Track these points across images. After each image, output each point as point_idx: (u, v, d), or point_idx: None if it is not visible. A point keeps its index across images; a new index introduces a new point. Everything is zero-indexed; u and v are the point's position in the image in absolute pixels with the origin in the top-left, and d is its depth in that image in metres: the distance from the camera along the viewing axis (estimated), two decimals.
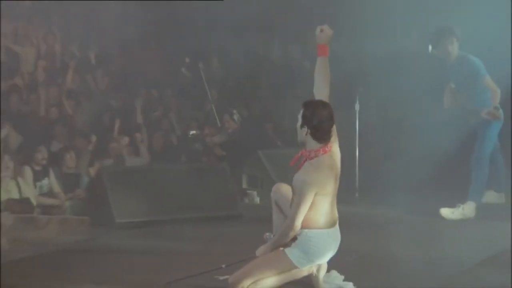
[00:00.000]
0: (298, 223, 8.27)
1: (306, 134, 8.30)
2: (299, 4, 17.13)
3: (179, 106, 16.61)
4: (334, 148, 8.50)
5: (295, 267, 8.47)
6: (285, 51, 17.58)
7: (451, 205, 12.34)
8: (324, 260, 8.56)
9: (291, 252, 8.43)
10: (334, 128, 8.43)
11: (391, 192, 13.70)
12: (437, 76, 13.21)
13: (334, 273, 8.52)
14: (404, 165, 14.09)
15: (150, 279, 8.90)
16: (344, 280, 8.53)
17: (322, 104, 8.38)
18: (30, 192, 13.66)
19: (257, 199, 13.88)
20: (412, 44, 16.11)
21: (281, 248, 8.47)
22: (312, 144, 8.34)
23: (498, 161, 12.88)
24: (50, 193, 13.80)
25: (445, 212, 12.30)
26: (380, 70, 15.14)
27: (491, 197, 12.92)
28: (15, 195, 13.54)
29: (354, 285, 8.37)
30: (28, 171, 13.74)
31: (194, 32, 16.83)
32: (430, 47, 12.44)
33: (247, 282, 8.34)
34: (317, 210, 8.34)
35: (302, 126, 8.32)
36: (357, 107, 14.42)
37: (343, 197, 13.34)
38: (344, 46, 14.92)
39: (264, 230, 10.83)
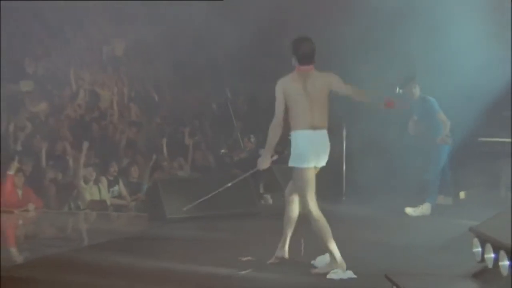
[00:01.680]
0: (278, 117, 8.19)
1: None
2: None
3: (214, 132, 16.68)
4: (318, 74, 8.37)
5: (301, 170, 8.23)
6: None
7: (413, 205, 12.46)
8: (316, 160, 8.22)
9: (291, 162, 8.31)
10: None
11: (369, 195, 13.70)
12: (404, 110, 13.19)
13: (326, 256, 8.16)
14: (379, 175, 14.08)
15: (193, 258, 8.84)
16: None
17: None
18: (106, 195, 13.81)
19: (271, 201, 13.90)
20: (385, 87, 16.01)
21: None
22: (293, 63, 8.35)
23: (446, 174, 13.05)
24: (120, 196, 13.96)
25: (409, 210, 12.39)
26: (361, 106, 15.10)
27: (441, 200, 13.08)
28: (96, 197, 13.69)
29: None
30: (104, 180, 13.90)
31: (228, 77, 16.79)
32: (398, 89, 12.49)
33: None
34: (292, 115, 8.23)
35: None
36: (344, 132, 14.47)
37: (334, 198, 13.55)
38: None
39: (276, 224, 10.96)
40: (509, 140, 13.91)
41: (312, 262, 8.31)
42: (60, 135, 15.28)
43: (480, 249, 7.60)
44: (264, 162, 8.53)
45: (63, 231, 12.06)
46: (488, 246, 7.35)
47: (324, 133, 8.30)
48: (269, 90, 16.56)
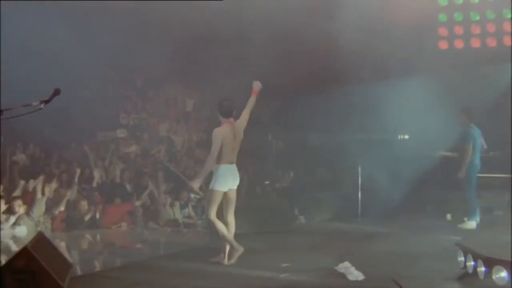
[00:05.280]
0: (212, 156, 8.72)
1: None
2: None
3: (259, 167, 16.65)
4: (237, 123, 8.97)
5: (217, 191, 8.86)
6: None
7: (419, 226, 12.15)
8: (227, 184, 8.86)
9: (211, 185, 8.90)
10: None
11: (382, 216, 13.70)
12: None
13: (346, 263, 8.17)
14: (390, 199, 13.98)
15: (244, 264, 8.87)
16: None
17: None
18: (178, 216, 13.85)
19: (304, 221, 13.87)
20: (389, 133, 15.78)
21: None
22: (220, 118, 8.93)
23: None
24: (189, 216, 13.98)
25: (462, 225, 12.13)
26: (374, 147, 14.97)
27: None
28: (171, 217, 13.75)
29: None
30: (177, 204, 13.94)
31: (269, 126, 16.73)
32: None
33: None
34: (222, 153, 8.76)
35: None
36: (359, 169, 14.45)
37: (350, 219, 13.41)
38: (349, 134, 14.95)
39: (307, 239, 10.98)
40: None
41: (335, 267, 8.28)
42: (145, 170, 15.43)
43: (463, 258, 7.61)
44: (197, 184, 9.02)
45: (146, 243, 12.15)
46: (469, 256, 7.37)
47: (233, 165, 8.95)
48: (301, 136, 16.37)
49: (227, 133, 8.83)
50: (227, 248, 9.08)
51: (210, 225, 12.00)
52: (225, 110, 8.97)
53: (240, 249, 8.99)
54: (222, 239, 9.05)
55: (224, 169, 8.84)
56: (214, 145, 8.74)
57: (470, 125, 12.34)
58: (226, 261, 9.03)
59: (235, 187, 9.07)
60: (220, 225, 8.99)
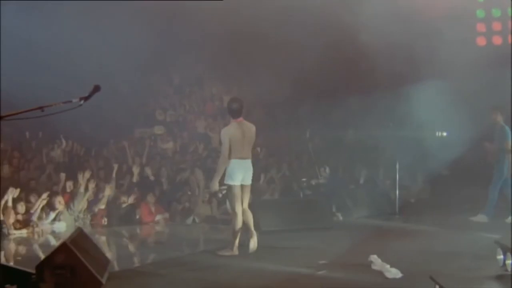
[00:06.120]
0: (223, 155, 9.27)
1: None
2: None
3: (297, 165, 16.63)
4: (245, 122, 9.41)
5: (231, 186, 9.31)
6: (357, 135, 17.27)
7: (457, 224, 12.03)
8: (238, 178, 9.26)
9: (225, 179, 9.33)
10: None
11: (418, 213, 13.60)
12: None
13: (374, 257, 8.16)
14: (426, 197, 13.86)
15: (282, 260, 8.88)
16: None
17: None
18: (216, 212, 13.90)
19: (341, 218, 13.78)
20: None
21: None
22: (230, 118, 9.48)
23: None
24: (226, 213, 13.96)
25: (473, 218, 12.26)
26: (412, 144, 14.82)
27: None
28: (208, 213, 13.82)
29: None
30: (214, 201, 13.97)
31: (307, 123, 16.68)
32: None
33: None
34: (232, 149, 9.18)
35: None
36: (397, 166, 14.30)
37: (388, 216, 13.35)
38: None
39: (345, 236, 10.93)
40: None
41: (371, 265, 8.23)
42: (182, 167, 15.50)
43: (502, 256, 7.53)
44: (214, 186, 9.57)
45: (183, 239, 12.21)
46: (509, 255, 7.29)
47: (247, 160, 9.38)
48: (338, 134, 16.28)
49: (234, 131, 9.29)
50: (237, 242, 9.43)
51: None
52: (234, 111, 9.41)
53: (254, 235, 9.43)
54: (233, 233, 9.42)
55: (234, 163, 9.27)
56: (223, 144, 9.30)
57: (501, 123, 12.30)
58: (237, 252, 9.36)
59: (249, 181, 9.49)
60: (238, 220, 9.37)
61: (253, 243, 9.40)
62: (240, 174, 9.34)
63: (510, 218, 12.10)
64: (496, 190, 12.42)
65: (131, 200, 13.76)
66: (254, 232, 9.49)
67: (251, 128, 9.48)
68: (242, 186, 9.42)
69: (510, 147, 12.16)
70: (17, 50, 13.17)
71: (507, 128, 12.24)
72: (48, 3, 13.61)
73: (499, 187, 12.43)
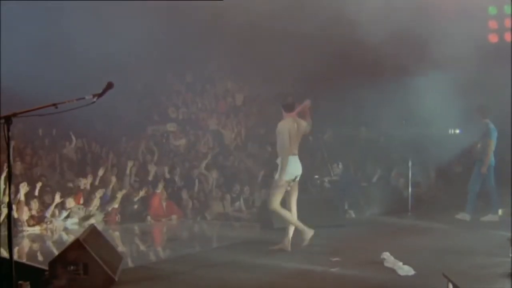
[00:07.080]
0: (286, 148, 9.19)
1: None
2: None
3: (309, 161, 16.53)
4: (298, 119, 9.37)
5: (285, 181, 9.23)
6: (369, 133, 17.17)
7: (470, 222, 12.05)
8: (293, 174, 9.25)
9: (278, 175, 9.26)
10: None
11: (431, 212, 13.51)
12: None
13: (386, 254, 8.21)
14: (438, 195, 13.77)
15: (295, 258, 8.93)
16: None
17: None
18: (228, 209, 13.92)
19: (353, 215, 13.77)
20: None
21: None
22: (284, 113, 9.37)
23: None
24: (239, 210, 14.02)
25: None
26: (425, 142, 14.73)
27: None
28: (221, 210, 13.83)
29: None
30: (228, 197, 14.00)
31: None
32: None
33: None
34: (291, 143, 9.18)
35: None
36: (410, 163, 14.24)
37: (400, 214, 13.30)
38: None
39: (357, 232, 10.90)
40: None
41: (384, 263, 8.22)
42: (195, 163, 15.51)
43: None
44: (283, 176, 9.26)
45: (196, 236, 12.22)
46: None
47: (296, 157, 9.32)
48: (351, 131, 16.16)
49: (291, 125, 9.26)
50: (290, 234, 9.43)
51: (261, 218, 12.11)
52: (288, 105, 9.40)
53: (311, 232, 9.44)
54: (288, 225, 9.44)
55: (291, 159, 9.21)
56: (284, 137, 9.19)
57: (485, 121, 12.32)
58: (289, 248, 9.35)
59: (298, 177, 9.44)
60: (284, 212, 9.38)
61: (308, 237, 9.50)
62: (295, 170, 9.35)
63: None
64: (475, 186, 12.43)
65: (142, 193, 13.79)
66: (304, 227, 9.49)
67: (302, 123, 9.45)
68: (292, 183, 9.40)
69: (492, 146, 12.20)
70: (30, 48, 13.21)
71: (491, 127, 12.27)
72: (60, 2, 13.65)
73: (479, 184, 12.43)
